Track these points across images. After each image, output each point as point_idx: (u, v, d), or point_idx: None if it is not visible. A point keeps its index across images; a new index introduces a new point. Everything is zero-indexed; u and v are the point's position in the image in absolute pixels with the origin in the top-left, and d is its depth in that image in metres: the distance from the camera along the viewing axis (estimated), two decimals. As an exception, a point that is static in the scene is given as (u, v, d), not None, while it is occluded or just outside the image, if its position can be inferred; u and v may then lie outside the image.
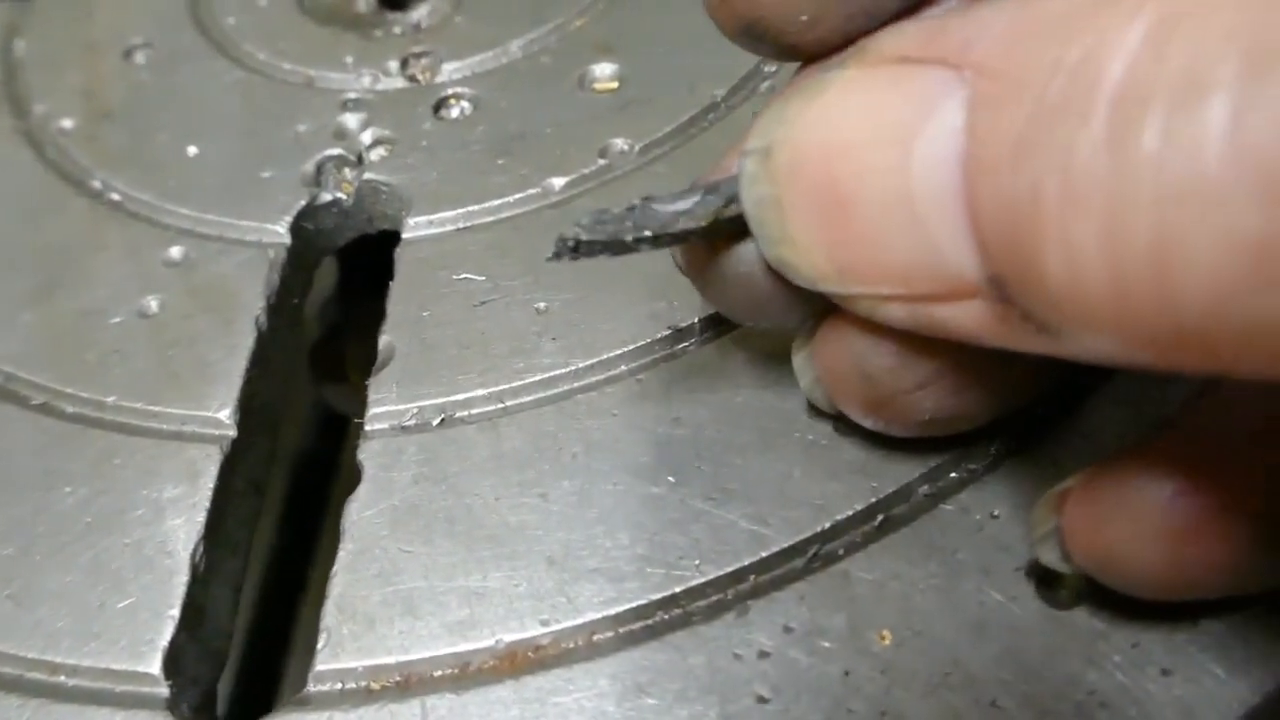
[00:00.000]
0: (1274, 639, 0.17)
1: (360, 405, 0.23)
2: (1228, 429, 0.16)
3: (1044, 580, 0.18)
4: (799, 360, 0.19)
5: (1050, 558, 0.17)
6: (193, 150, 0.29)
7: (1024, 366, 0.17)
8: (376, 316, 0.24)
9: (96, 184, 0.29)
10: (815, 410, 0.21)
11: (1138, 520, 0.16)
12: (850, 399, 0.18)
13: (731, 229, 0.17)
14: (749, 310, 0.18)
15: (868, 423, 0.19)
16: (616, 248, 0.17)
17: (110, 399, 0.23)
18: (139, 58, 0.33)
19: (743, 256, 0.17)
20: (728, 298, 0.18)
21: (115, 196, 0.28)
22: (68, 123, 0.31)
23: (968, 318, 0.14)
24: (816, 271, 0.15)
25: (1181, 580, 0.16)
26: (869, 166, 0.14)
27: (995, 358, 0.16)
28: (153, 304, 0.25)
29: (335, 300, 0.42)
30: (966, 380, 0.17)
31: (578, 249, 0.17)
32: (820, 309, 0.18)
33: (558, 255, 0.17)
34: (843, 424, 0.20)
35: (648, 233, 0.17)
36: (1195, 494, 0.15)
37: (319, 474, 0.48)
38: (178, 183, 0.28)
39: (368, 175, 0.28)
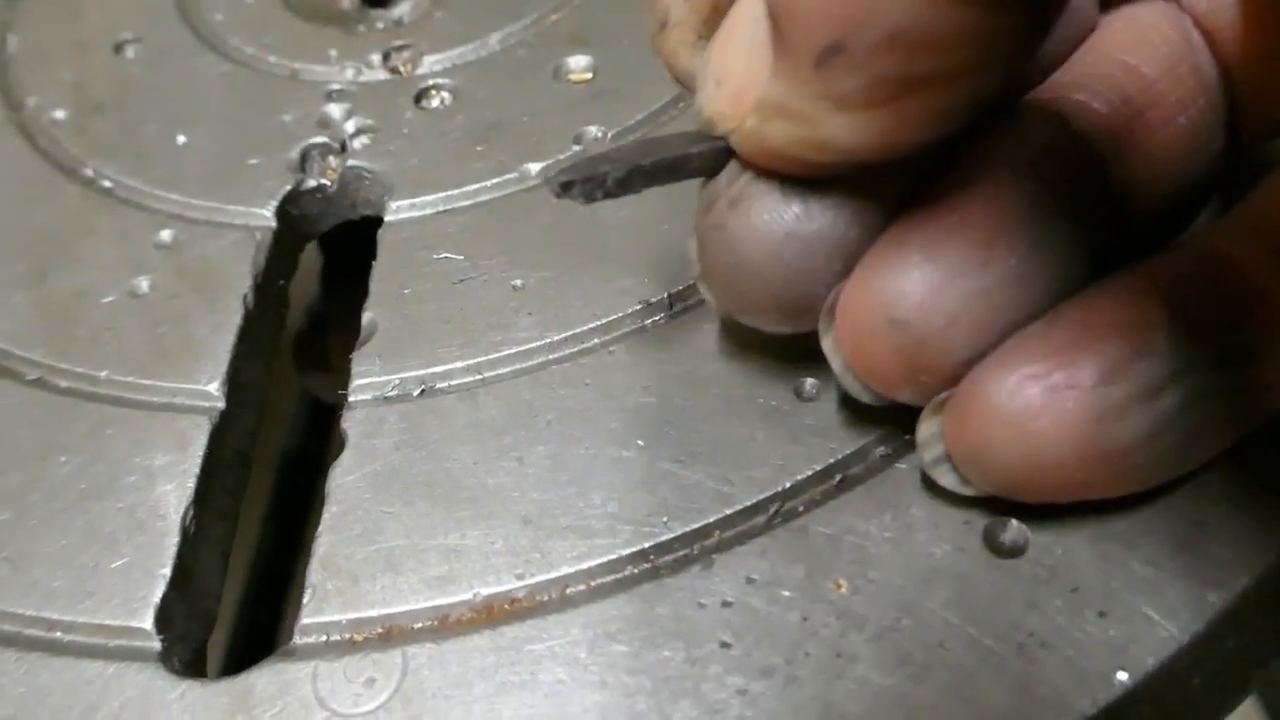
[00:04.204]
0: (1201, 584, 0.18)
1: (345, 388, 0.24)
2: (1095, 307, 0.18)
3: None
4: (828, 344, 0.19)
5: (948, 480, 0.19)
6: (181, 139, 0.30)
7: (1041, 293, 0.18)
8: (359, 306, 0.25)
9: (88, 172, 0.30)
10: (779, 377, 0.22)
11: (989, 409, 0.17)
12: (884, 360, 0.18)
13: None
14: (756, 288, 0.19)
15: (906, 391, 0.19)
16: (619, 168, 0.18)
17: (103, 374, 0.24)
18: (129, 52, 0.34)
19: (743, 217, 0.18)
20: (727, 261, 0.19)
21: (106, 184, 0.29)
22: (59, 114, 0.32)
23: (779, 94, 0.16)
24: (708, 99, 0.18)
25: (1041, 464, 0.17)
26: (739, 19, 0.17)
27: (1015, 281, 0.18)
28: (143, 284, 0.26)
29: (319, 292, 0.43)
30: (994, 310, 0.18)
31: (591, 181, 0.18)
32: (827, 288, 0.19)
33: (566, 188, 0.18)
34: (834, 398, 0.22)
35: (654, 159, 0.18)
36: (1038, 378, 0.17)
37: (309, 472, 0.49)
38: (167, 170, 0.29)
39: (351, 162, 0.29)
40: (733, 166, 0.19)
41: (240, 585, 0.48)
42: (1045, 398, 0.17)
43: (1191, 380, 0.17)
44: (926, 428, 0.19)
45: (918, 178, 0.18)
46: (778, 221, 0.18)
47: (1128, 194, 0.19)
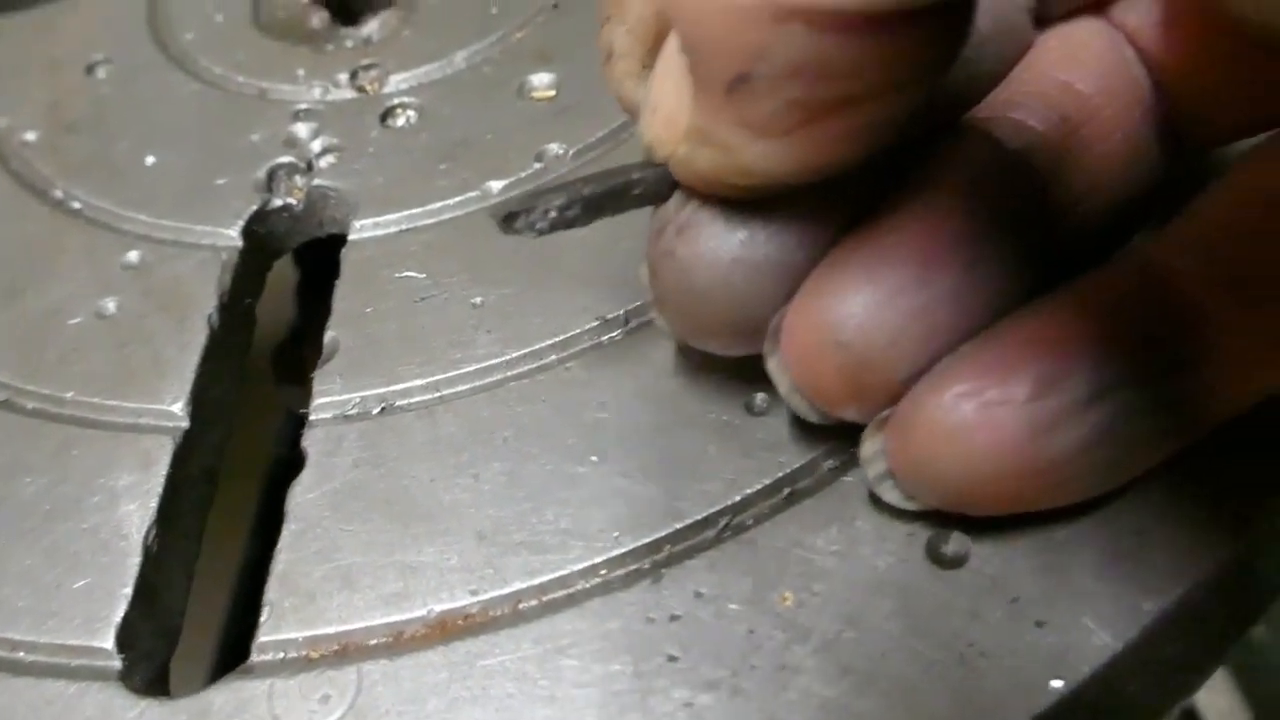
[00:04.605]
0: (1138, 593, 0.19)
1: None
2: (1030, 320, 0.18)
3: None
4: (773, 364, 0.20)
5: (892, 496, 0.19)
6: (150, 159, 0.30)
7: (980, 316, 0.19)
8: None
9: (58, 193, 0.30)
10: (731, 392, 0.22)
11: (928, 426, 0.18)
12: (830, 380, 0.19)
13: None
14: (707, 312, 0.19)
15: (851, 410, 0.19)
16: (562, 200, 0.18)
17: (69, 394, 0.25)
18: (100, 73, 0.34)
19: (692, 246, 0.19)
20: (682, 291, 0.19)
21: (76, 205, 0.30)
22: (31, 135, 0.32)
23: (700, 122, 0.17)
24: (646, 125, 0.18)
25: (980, 478, 0.18)
26: (670, 50, 0.17)
27: (953, 299, 0.18)
28: (110, 305, 0.27)
29: (296, 306, 0.43)
30: (933, 328, 0.18)
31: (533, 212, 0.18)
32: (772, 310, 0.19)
33: (510, 220, 0.18)
34: (768, 409, 0.22)
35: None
36: (972, 394, 0.17)
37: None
38: (136, 190, 0.30)
39: (317, 181, 0.29)
40: (680, 194, 0.19)
41: (228, 597, 0.48)
42: (980, 413, 0.17)
43: (1125, 394, 0.18)
44: (870, 445, 0.19)
45: (861, 200, 0.19)
46: (724, 247, 0.18)
47: (1067, 209, 0.20)
